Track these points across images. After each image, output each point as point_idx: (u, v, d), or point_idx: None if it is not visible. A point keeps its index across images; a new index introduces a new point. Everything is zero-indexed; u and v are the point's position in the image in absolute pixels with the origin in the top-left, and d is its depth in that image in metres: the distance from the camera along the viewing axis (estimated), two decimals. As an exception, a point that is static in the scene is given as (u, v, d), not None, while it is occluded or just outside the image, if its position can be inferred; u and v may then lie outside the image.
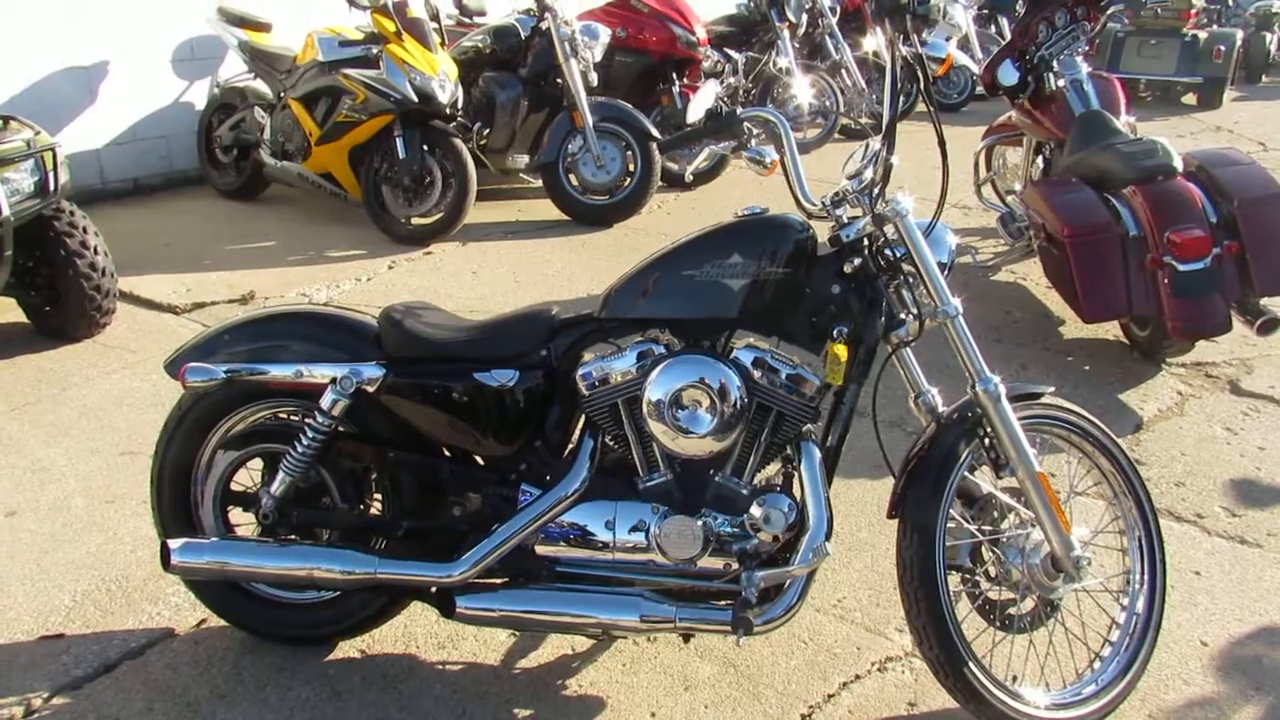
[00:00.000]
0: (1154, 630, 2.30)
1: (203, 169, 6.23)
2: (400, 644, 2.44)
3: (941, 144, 2.16)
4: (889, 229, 2.14)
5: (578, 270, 5.11)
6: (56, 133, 5.70)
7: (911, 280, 2.17)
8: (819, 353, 2.16)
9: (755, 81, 7.78)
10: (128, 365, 3.92)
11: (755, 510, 2.09)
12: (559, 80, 5.72)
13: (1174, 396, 3.92)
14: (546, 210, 5.97)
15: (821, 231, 2.20)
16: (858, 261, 2.12)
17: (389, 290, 4.79)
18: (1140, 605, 2.31)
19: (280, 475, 2.20)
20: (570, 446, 2.25)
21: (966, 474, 2.20)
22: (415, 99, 5.05)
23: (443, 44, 5.42)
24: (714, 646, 2.43)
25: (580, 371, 2.15)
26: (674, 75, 6.53)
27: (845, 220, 2.16)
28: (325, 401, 2.15)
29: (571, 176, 5.81)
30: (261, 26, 5.92)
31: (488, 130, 5.83)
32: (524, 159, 6.00)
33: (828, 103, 7.78)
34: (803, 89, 7.69)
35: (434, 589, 2.16)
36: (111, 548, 2.78)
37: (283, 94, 5.57)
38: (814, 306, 2.14)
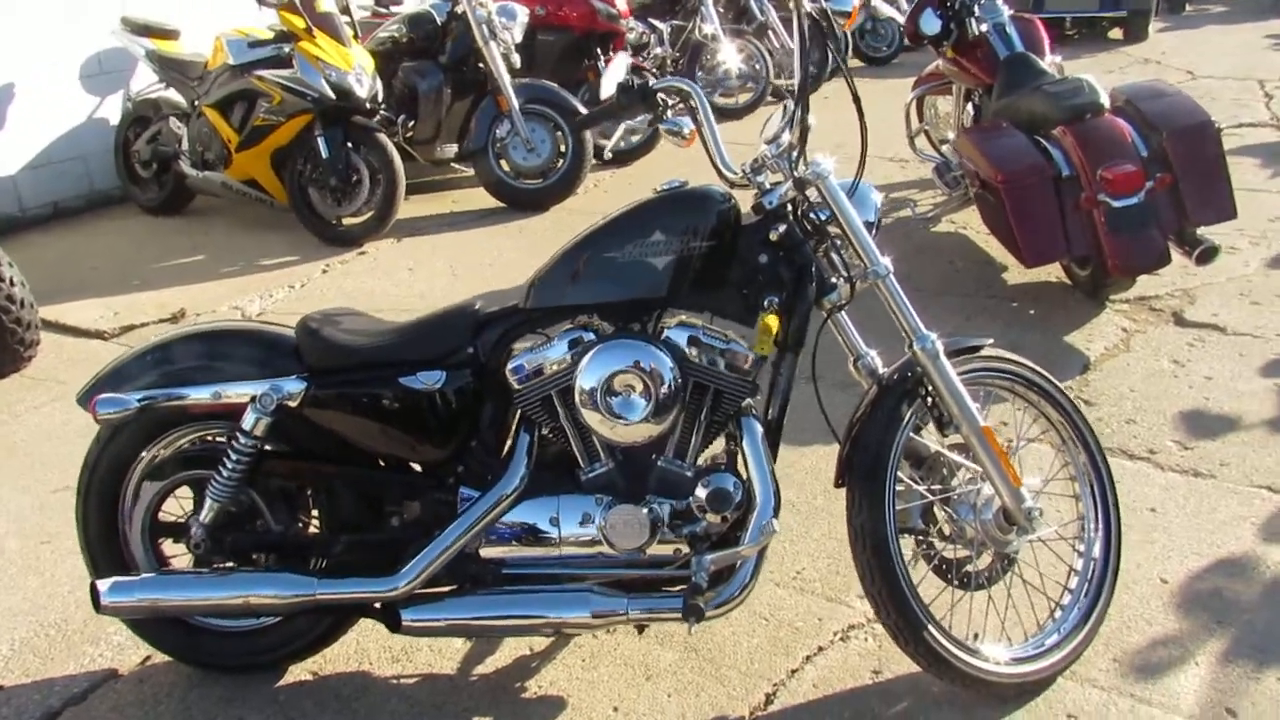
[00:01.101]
0: (1112, 574, 2.29)
1: (124, 186, 6.03)
2: (353, 661, 2.37)
3: (856, 101, 2.11)
4: (811, 192, 2.08)
5: (516, 257, 5.02)
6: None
7: (839, 243, 2.12)
8: (753, 325, 2.10)
9: (682, 50, 7.69)
10: (56, 398, 3.78)
11: (700, 492, 2.04)
12: (480, 65, 5.60)
13: (1119, 334, 3.93)
14: (481, 199, 5.86)
15: (745, 200, 2.14)
16: (783, 228, 2.06)
17: (323, 295, 4.67)
18: (1097, 550, 2.30)
19: (207, 502, 2.11)
20: (508, 444, 2.18)
21: (912, 435, 2.17)
22: (333, 95, 4.91)
23: (356, 37, 5.28)
24: (674, 633, 2.39)
25: (509, 365, 2.08)
26: (598, 50, 6.42)
27: (767, 187, 2.10)
28: (246, 421, 2.06)
29: (502, 162, 5.70)
30: (169, 34, 5.72)
31: (413, 122, 5.69)
32: (453, 148, 5.88)
33: (757, 66, 7.71)
34: (730, 54, 7.63)
35: (377, 604, 2.08)
36: (49, 590, 2.68)
37: (197, 102, 5.40)
38: (743, 278, 2.08)
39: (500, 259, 5.03)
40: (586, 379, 2.00)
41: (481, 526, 2.06)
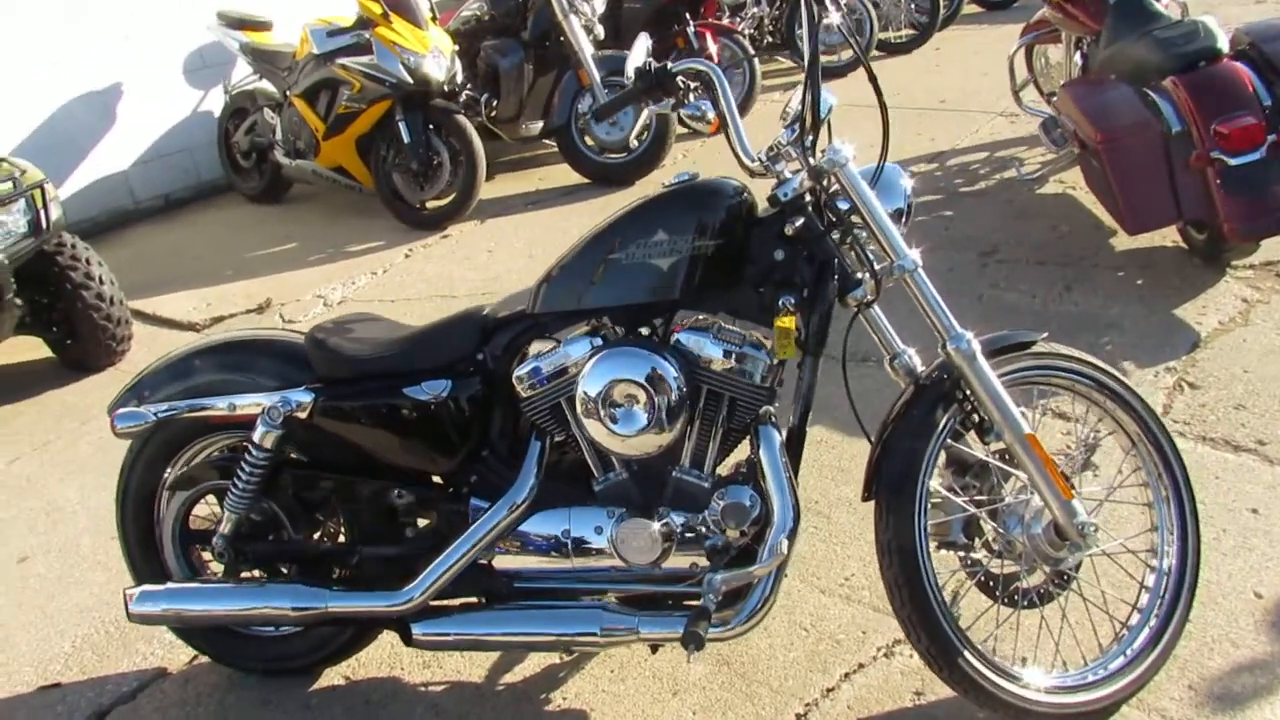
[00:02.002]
0: (1189, 591, 2.05)
1: (228, 176, 6.24)
2: (384, 666, 2.37)
3: (872, 79, 1.92)
4: (831, 181, 1.91)
5: (596, 236, 4.93)
6: (80, 160, 5.82)
7: (865, 235, 1.94)
8: (771, 325, 1.95)
9: (782, 7, 7.39)
10: (147, 390, 3.93)
11: (716, 504, 1.93)
12: (562, 39, 5.50)
13: (1238, 305, 3.55)
14: (567, 175, 5.79)
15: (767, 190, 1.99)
16: (799, 222, 1.90)
17: (404, 280, 4.71)
18: (1171, 564, 2.07)
19: (225, 513, 2.13)
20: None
21: (952, 441, 1.99)
22: (411, 80, 4.91)
23: (434, 19, 5.26)
24: (708, 643, 2.28)
25: (517, 373, 2.00)
26: (687, 15, 6.22)
27: (786, 176, 1.94)
28: (256, 433, 2.06)
29: (586, 137, 5.61)
30: (262, 26, 5.85)
31: (496, 101, 5.65)
32: (537, 125, 5.81)
33: (860, 20, 7.33)
34: (831, 9, 7.27)
35: (388, 618, 2.06)
36: (114, 587, 2.78)
37: (287, 92, 5.51)
38: (758, 276, 1.94)
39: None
40: (587, 388, 1.90)
41: (490, 539, 2.00)
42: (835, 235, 1.93)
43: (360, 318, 2.27)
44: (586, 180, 5.69)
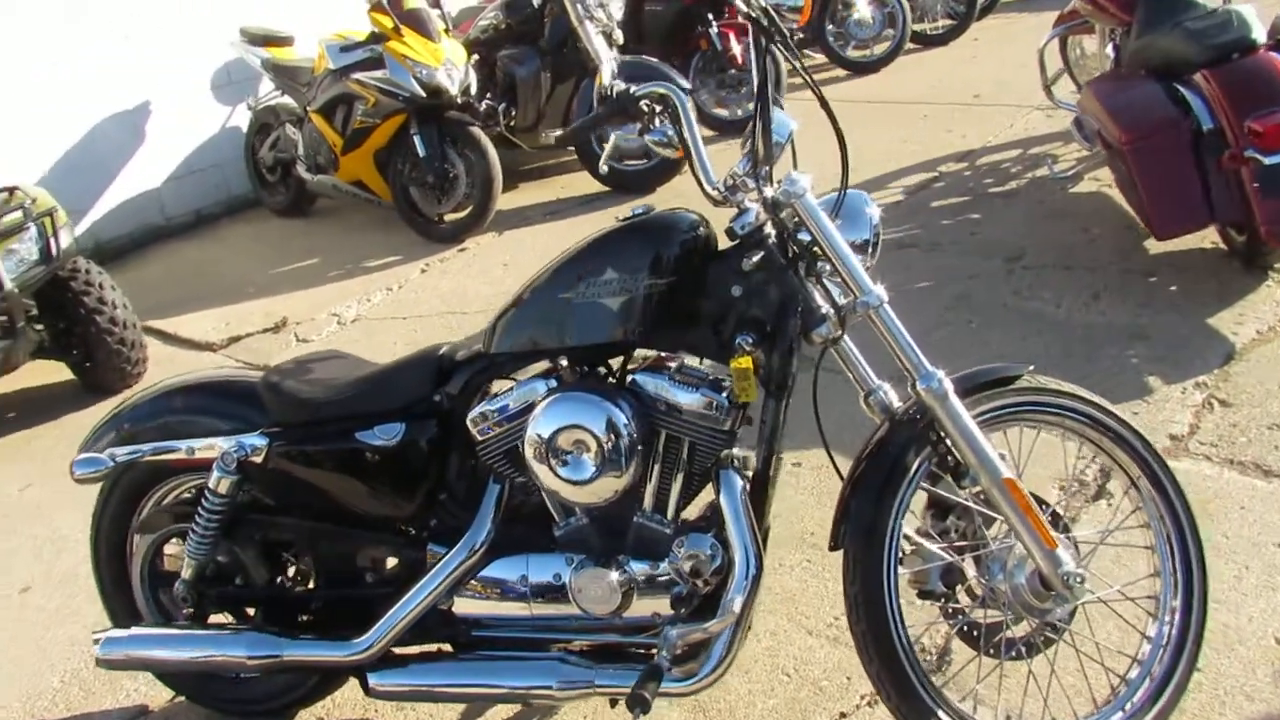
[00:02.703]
0: (1194, 642, 1.90)
1: (255, 192, 6.30)
2: (358, 708, 2.32)
3: (823, 104, 1.82)
4: (790, 214, 1.80)
5: (613, 247, 4.86)
6: (113, 178, 5.90)
7: (828, 268, 1.83)
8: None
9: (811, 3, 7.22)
10: (161, 412, 3.95)
11: (676, 552, 1.84)
12: (580, 46, 5.42)
13: (1278, 312, 3.34)
14: (588, 183, 5.72)
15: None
16: (758, 256, 1.80)
17: (418, 297, 4.68)
18: (1174, 612, 1.92)
19: (186, 557, 2.09)
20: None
21: (930, 484, 1.87)
22: (423, 94, 4.89)
23: (447, 30, 5.22)
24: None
25: (471, 415, 1.93)
26: (710, 16, 6.10)
27: (745, 207, 1.83)
28: (212, 479, 2.02)
29: (605, 145, 5.50)
30: (283, 41, 5.87)
31: (514, 110, 5.60)
32: (556, 133, 5.73)
33: (892, 12, 7.13)
34: (862, 1, 7.09)
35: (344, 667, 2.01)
36: (105, 621, 2.78)
37: (306, 108, 5.52)
38: (716, 314, 1.84)
39: (596, 249, 4.88)
40: (536, 433, 1.82)
41: (446, 586, 1.94)
42: (799, 269, 1.82)
43: (325, 355, 2.22)
44: (607, 189, 5.61)
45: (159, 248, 6.07)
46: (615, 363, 1.94)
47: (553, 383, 1.89)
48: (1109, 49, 4.49)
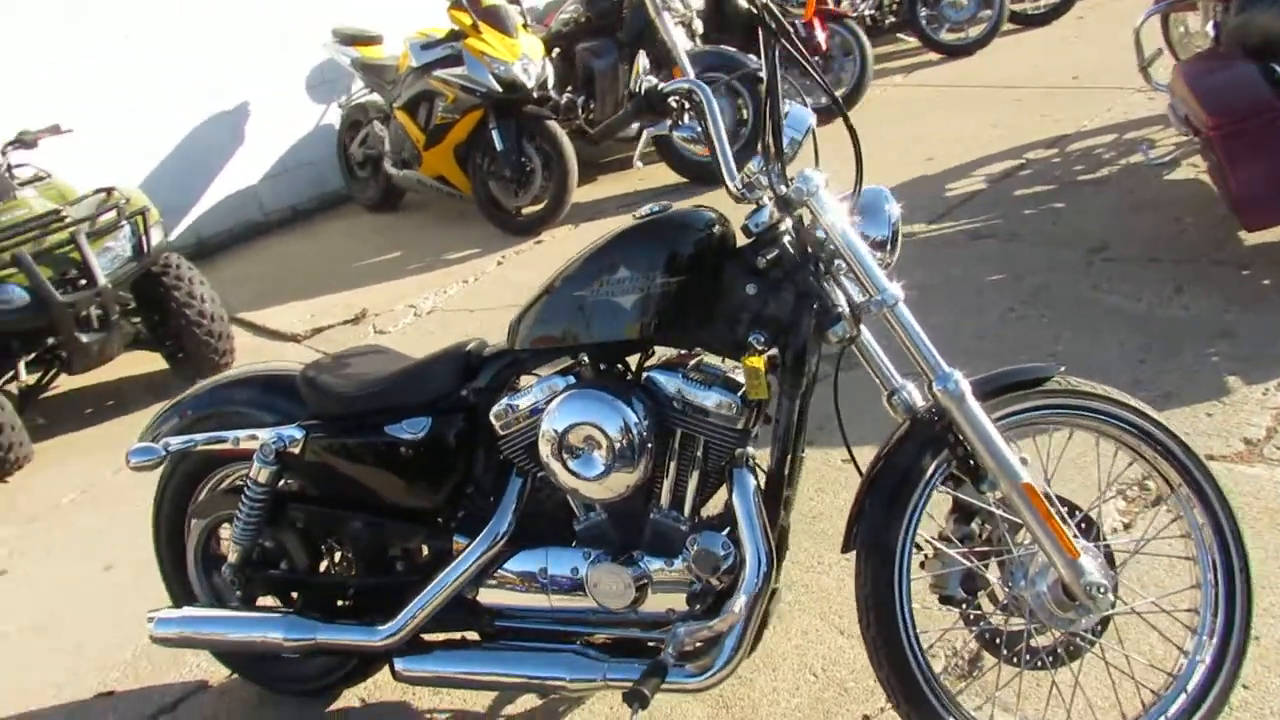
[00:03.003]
0: (1233, 660, 1.80)
1: (347, 187, 6.51)
2: (398, 690, 2.39)
3: (835, 101, 1.78)
4: (804, 212, 1.78)
5: (685, 239, 4.85)
6: (214, 176, 6.19)
7: (844, 267, 1.79)
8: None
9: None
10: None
11: (688, 550, 1.84)
12: (658, 38, 5.42)
13: (1377, 309, 3.12)
14: (667, 175, 5.72)
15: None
16: (772, 254, 1.78)
17: (492, 289, 4.77)
18: (1214, 629, 1.82)
19: (231, 543, 2.20)
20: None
21: (951, 487, 1.82)
22: (500, 89, 4.97)
23: (525, 25, 5.29)
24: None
25: (494, 410, 1.98)
26: (790, 4, 6.01)
27: (763, 204, 1.82)
28: (253, 469, 2.12)
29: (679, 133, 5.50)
30: (373, 40, 6.05)
31: (593, 103, 5.64)
32: (634, 127, 5.76)
33: (989, -10, 6.88)
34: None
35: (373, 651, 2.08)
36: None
37: (392, 104, 5.68)
38: (731, 312, 1.83)
39: (668, 241, 4.88)
40: (549, 429, 1.85)
41: (467, 577, 1.99)
42: (814, 267, 1.79)
43: (365, 350, 2.30)
44: (685, 180, 5.60)
45: (257, 243, 6.35)
46: (635, 359, 1.96)
47: (571, 379, 1.92)
48: (1209, 27, 4.25)
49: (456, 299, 4.75)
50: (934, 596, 1.90)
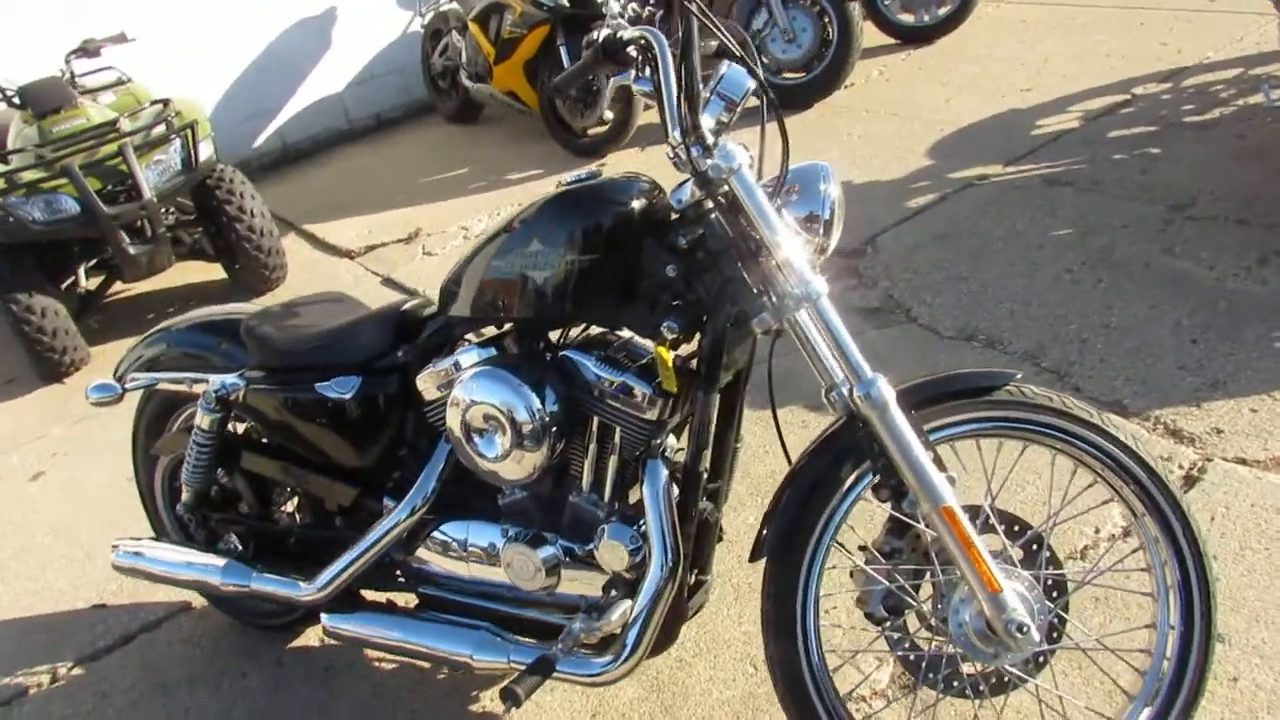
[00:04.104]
0: (1183, 707, 1.62)
1: (430, 97, 6.47)
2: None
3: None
4: (726, 190, 1.61)
5: (746, 170, 4.63)
6: (300, 83, 6.23)
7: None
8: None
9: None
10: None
11: (598, 539, 1.76)
12: (741, -51, 5.10)
13: None
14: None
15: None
16: (695, 234, 1.63)
17: (544, 214, 4.67)
18: (1166, 671, 1.64)
19: (183, 484, 2.23)
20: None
21: (884, 498, 1.66)
22: (567, 4, 4.78)
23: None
24: (650, 663, 2.13)
25: (419, 375, 1.91)
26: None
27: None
28: (198, 415, 2.13)
29: (763, 57, 5.21)
30: (454, -53, 5.91)
31: (669, 22, 5.37)
32: (713, 44, 5.46)
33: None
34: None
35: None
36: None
37: (467, 16, 5.56)
38: (650, 294, 1.69)
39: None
40: (452, 406, 1.77)
41: (388, 541, 1.95)
42: (742, 250, 1.63)
43: (322, 299, 2.26)
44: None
45: (337, 151, 6.41)
46: (559, 334, 1.85)
47: (490, 351, 1.83)
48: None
49: (508, 223, 4.68)
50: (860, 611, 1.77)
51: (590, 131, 5.21)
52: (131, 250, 3.92)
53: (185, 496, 2.24)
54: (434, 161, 5.78)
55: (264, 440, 2.24)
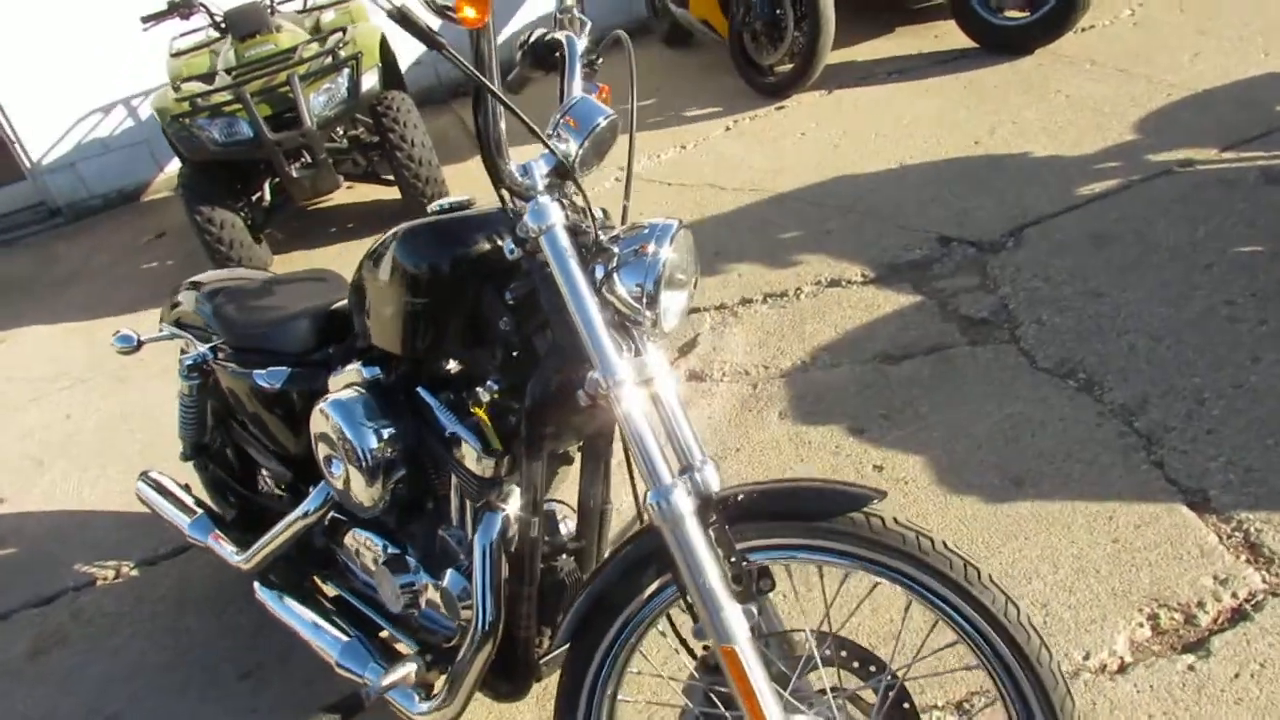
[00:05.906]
0: None
1: (648, 15, 6.30)
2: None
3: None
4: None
5: (924, 126, 4.13)
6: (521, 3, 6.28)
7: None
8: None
9: None
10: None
11: (437, 583, 1.70)
12: None
13: None
14: (958, 38, 4.83)
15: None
16: (525, 289, 1.48)
17: (699, 161, 4.46)
18: None
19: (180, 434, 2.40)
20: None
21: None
22: (754, -69, 4.43)
23: None
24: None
25: (330, 377, 1.91)
26: None
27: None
28: (180, 375, 2.26)
29: (983, -11, 4.58)
30: None
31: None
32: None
33: None
34: None
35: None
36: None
37: (671, -63, 5.31)
38: (487, 345, 1.56)
39: (910, 125, 4.18)
40: (315, 420, 1.76)
41: (295, 530, 2.00)
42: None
43: (308, 276, 2.30)
44: (976, 45, 4.70)
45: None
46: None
47: (373, 371, 1.77)
48: None
49: (663, 167, 4.51)
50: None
51: (776, 70, 4.86)
52: (295, 174, 4.19)
53: (184, 446, 2.41)
54: (621, 89, 5.64)
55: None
